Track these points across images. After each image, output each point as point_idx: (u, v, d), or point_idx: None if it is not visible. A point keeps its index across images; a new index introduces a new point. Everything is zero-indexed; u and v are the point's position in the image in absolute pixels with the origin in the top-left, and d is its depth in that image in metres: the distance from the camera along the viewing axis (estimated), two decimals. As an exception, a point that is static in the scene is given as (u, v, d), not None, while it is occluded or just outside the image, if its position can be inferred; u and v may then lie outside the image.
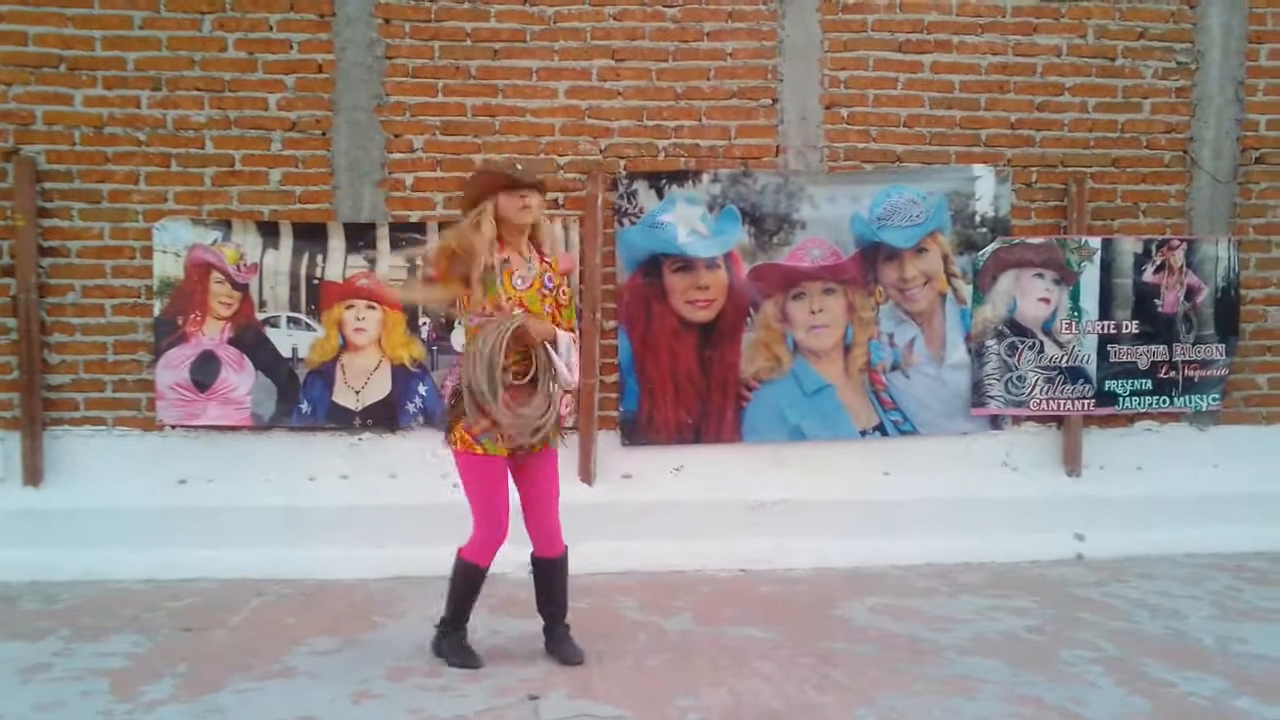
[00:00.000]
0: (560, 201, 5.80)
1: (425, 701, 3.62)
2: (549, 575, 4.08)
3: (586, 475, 5.75)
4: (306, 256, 5.70)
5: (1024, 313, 6.00)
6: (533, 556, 4.08)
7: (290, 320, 5.72)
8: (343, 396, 5.72)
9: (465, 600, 4.03)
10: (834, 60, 5.94)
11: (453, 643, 4.03)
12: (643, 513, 5.61)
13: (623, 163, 5.85)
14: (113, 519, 5.40)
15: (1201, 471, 6.08)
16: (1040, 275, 6.00)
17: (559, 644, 4.08)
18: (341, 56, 5.71)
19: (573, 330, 4.04)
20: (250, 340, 5.69)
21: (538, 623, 4.38)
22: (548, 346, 3.87)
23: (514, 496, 3.98)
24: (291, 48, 5.70)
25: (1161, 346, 6.07)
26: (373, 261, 5.68)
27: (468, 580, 3.99)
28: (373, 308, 5.72)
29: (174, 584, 5.19)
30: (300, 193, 5.74)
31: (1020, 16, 6.01)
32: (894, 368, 5.94)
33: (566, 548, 4.10)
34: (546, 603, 4.11)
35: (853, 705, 3.59)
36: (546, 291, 3.94)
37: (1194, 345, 6.08)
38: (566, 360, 3.88)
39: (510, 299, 3.84)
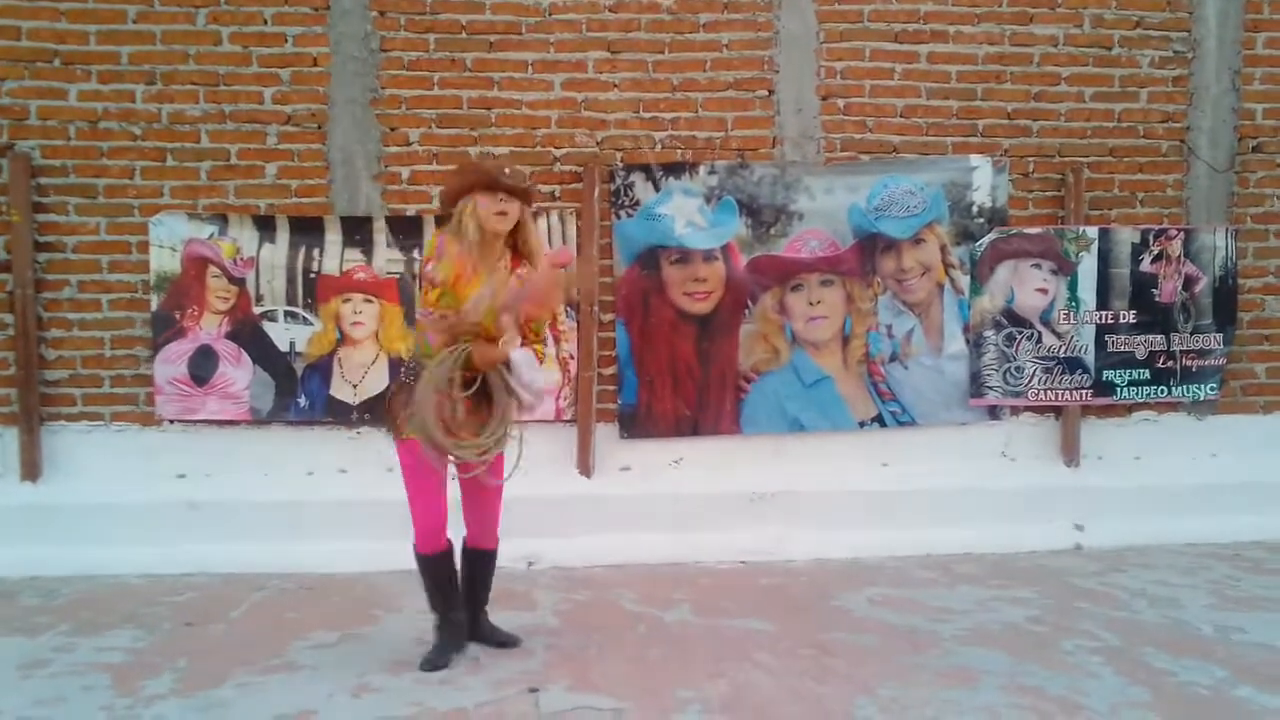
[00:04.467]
0: (557, 194, 5.79)
1: (425, 695, 3.62)
2: (477, 566, 4.06)
3: (585, 468, 5.75)
4: (303, 250, 5.69)
5: (1022, 303, 6.00)
6: (464, 544, 4.05)
7: (287, 314, 5.71)
8: (340, 390, 5.72)
9: (435, 593, 4.00)
10: (830, 51, 5.93)
11: (440, 639, 3.99)
12: (642, 505, 5.61)
13: (619, 155, 5.84)
14: (111, 514, 5.39)
15: (1200, 461, 6.09)
16: (1038, 265, 6.00)
17: (492, 632, 4.11)
18: (337, 50, 5.70)
19: (540, 344, 3.87)
20: (248, 335, 5.68)
21: (535, 615, 4.41)
22: (503, 371, 3.71)
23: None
24: (286, 41, 5.69)
25: (1159, 336, 6.07)
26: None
27: (422, 572, 3.99)
28: (370, 301, 5.71)
29: (173, 578, 5.18)
30: (296, 186, 5.73)
31: (1016, 6, 6.00)
32: (892, 359, 5.94)
33: (498, 543, 4.09)
34: (472, 591, 4.08)
35: (853, 696, 3.59)
36: (506, 309, 3.70)
37: (1192, 335, 6.09)
38: (527, 381, 3.73)
39: (456, 310, 3.66)
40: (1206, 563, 5.38)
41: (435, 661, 3.88)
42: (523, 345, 3.80)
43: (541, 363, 3.88)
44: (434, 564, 3.95)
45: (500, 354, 3.71)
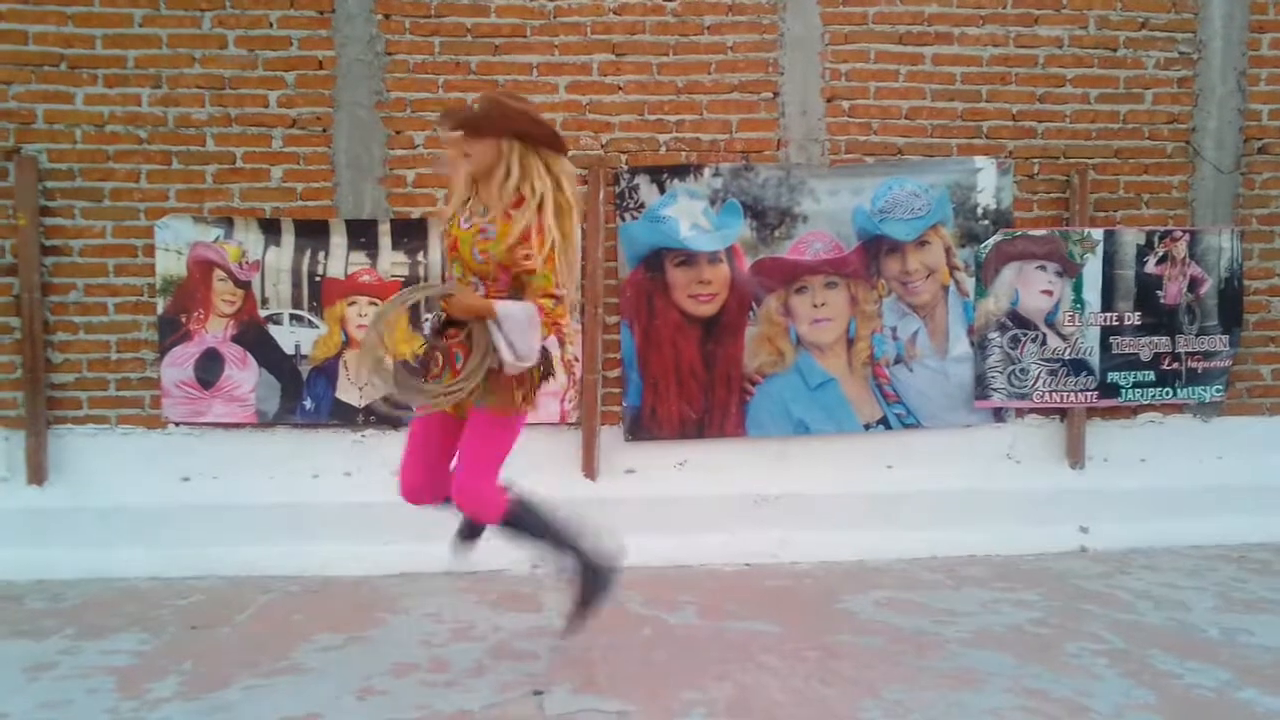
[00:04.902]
0: (562, 197, 5.79)
1: (430, 697, 3.63)
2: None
3: (590, 470, 5.75)
4: (308, 253, 5.70)
5: (1026, 305, 6.00)
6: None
7: (293, 317, 5.72)
8: (346, 393, 5.72)
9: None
10: (835, 53, 5.93)
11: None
12: (646, 507, 5.60)
13: (624, 157, 5.84)
14: (117, 517, 5.40)
15: (1205, 463, 6.08)
16: (1043, 267, 5.99)
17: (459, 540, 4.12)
18: (342, 53, 5.71)
19: (550, 301, 3.57)
20: (253, 337, 5.69)
21: (540, 617, 4.43)
22: (489, 325, 3.52)
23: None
24: (292, 44, 5.70)
25: (1164, 338, 6.06)
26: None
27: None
28: (375, 304, 5.72)
29: (179, 581, 5.19)
30: (301, 190, 5.74)
31: (1021, 7, 5.99)
32: (897, 361, 5.94)
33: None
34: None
35: (858, 698, 3.59)
36: (480, 239, 3.59)
37: (1197, 337, 6.08)
38: (515, 337, 3.50)
39: (449, 234, 3.69)
40: (1212, 565, 5.37)
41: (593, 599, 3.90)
42: (526, 299, 3.59)
43: (558, 326, 3.63)
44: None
45: (480, 304, 3.56)
